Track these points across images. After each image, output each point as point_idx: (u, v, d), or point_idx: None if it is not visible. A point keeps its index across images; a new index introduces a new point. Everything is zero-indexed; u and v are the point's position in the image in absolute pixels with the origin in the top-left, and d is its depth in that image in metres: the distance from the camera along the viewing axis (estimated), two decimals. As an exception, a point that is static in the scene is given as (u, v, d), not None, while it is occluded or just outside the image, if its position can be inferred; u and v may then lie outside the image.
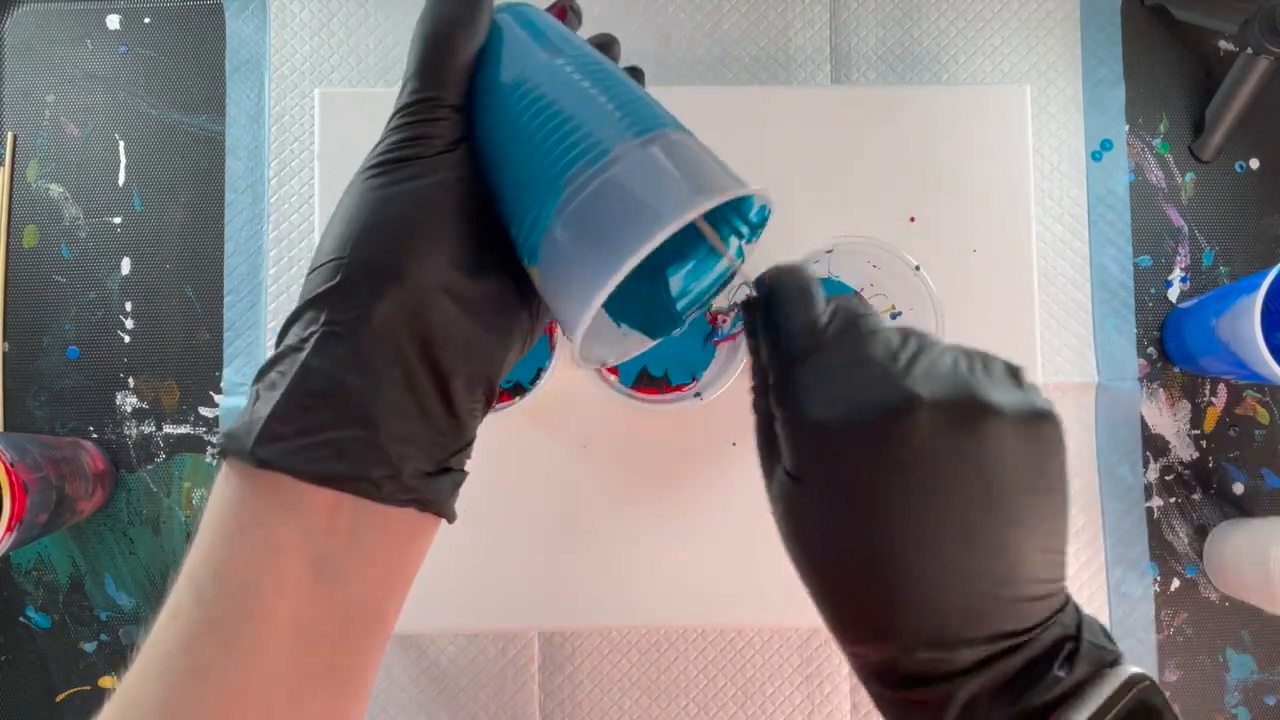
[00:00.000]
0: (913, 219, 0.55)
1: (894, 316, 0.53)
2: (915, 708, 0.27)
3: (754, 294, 0.30)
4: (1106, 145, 0.61)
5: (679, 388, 0.54)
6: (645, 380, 0.54)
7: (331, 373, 0.27)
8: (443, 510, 0.30)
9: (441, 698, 0.58)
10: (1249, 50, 0.57)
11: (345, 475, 0.27)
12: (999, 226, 0.55)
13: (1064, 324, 0.60)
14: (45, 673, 0.58)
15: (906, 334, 0.28)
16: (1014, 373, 0.28)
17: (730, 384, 0.48)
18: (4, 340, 0.60)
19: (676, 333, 0.36)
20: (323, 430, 0.27)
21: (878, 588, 0.26)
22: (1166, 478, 0.60)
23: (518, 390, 0.54)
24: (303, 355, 0.27)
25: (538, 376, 0.52)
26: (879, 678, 0.28)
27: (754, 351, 0.30)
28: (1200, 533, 0.60)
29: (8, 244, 0.61)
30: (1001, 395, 0.26)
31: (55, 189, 0.61)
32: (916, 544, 0.25)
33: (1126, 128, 0.62)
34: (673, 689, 0.58)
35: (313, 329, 0.27)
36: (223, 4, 0.62)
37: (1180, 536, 0.60)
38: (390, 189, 0.28)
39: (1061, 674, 0.25)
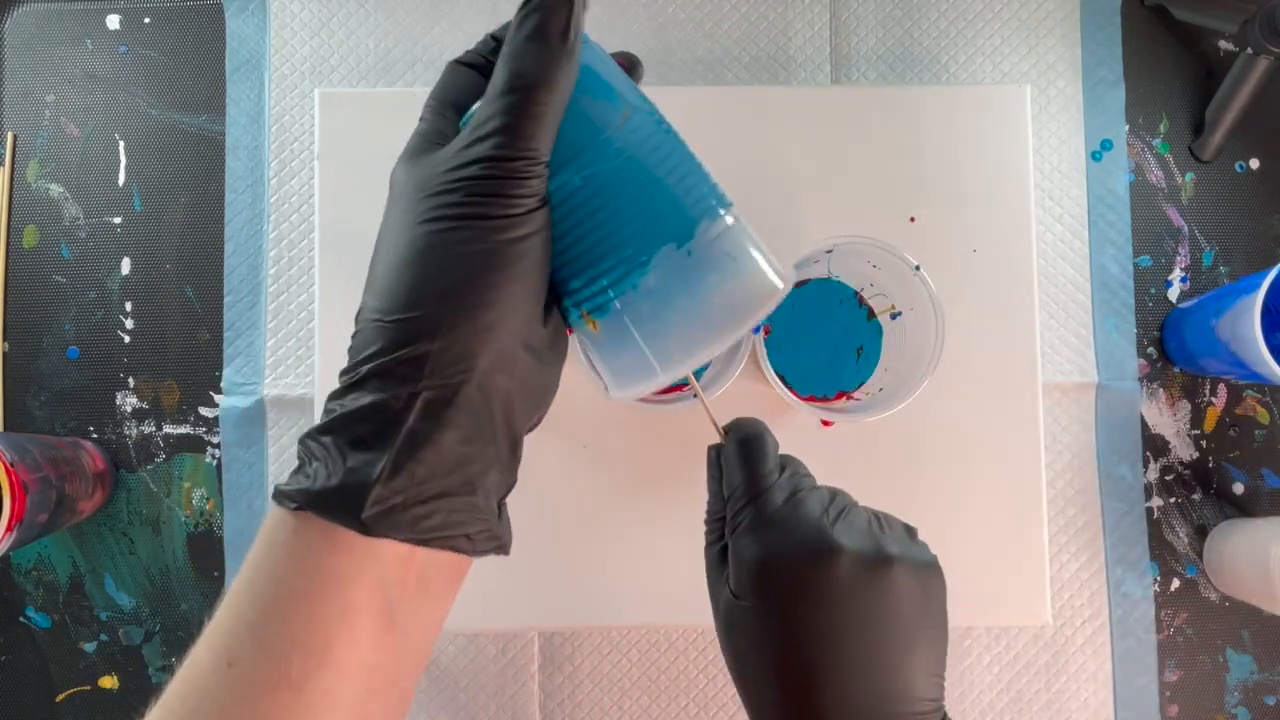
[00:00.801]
0: (913, 219, 0.55)
1: (894, 317, 0.53)
2: None
3: (720, 441, 0.35)
4: (1106, 145, 0.61)
5: (679, 388, 0.54)
6: (645, 380, 0.54)
7: (439, 438, 0.27)
8: (508, 550, 0.32)
9: (441, 698, 0.58)
10: (1249, 50, 0.57)
11: (447, 536, 0.28)
12: (999, 226, 0.55)
13: (1064, 324, 0.60)
14: (45, 673, 0.58)
15: (834, 494, 0.34)
16: (910, 532, 0.34)
17: (730, 384, 0.48)
18: (4, 340, 0.60)
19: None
20: (436, 498, 0.27)
21: (798, 703, 0.31)
22: (1166, 478, 0.60)
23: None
24: (408, 417, 0.27)
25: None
26: None
27: (714, 487, 0.35)
28: (1200, 533, 0.60)
29: (8, 244, 0.61)
30: (900, 549, 0.32)
31: (55, 189, 0.61)
32: (832, 666, 0.31)
33: (1126, 128, 0.62)
34: (673, 689, 0.58)
35: (411, 388, 0.27)
36: (223, 4, 0.62)
37: (1180, 536, 0.60)
38: (480, 244, 0.27)
39: None
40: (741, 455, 0.33)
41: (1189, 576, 0.59)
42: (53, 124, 0.62)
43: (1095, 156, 0.61)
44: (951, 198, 0.55)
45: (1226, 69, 0.60)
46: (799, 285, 0.54)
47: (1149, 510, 0.60)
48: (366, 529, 0.26)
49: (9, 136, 0.61)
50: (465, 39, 0.61)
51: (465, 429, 0.27)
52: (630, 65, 0.34)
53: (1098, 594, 0.59)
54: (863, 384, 0.54)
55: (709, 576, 0.34)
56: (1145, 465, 0.60)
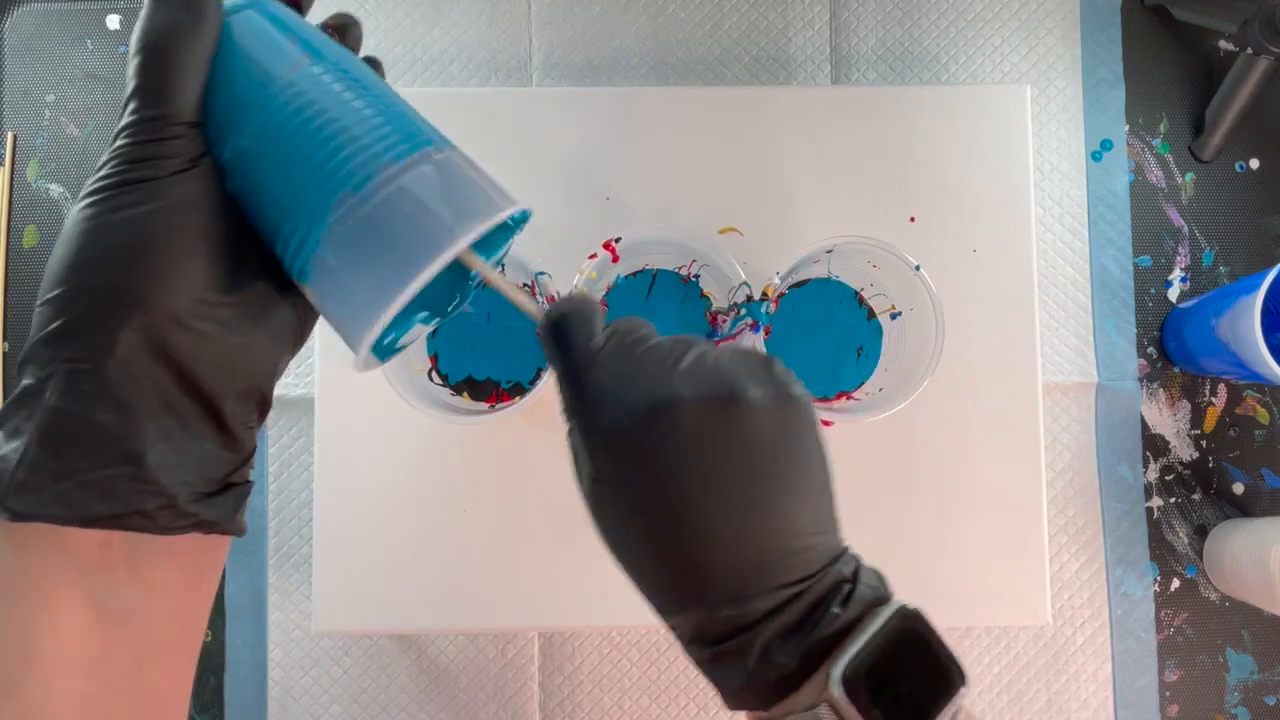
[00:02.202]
0: (913, 219, 0.55)
1: (894, 317, 0.53)
2: (726, 660, 0.30)
3: (544, 327, 0.33)
4: (1106, 145, 0.61)
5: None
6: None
7: (81, 412, 0.26)
8: (229, 528, 0.30)
9: (441, 698, 0.58)
10: (1249, 50, 0.57)
11: (114, 514, 0.26)
12: (999, 226, 0.55)
13: (1064, 324, 0.60)
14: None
15: (677, 342, 0.32)
16: (768, 365, 0.31)
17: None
18: (4, 340, 0.60)
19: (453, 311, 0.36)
20: (81, 473, 0.26)
21: (677, 564, 0.30)
22: (1166, 478, 0.60)
23: (518, 390, 0.54)
24: (46, 397, 0.26)
25: (538, 376, 0.52)
26: (694, 642, 0.31)
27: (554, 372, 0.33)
28: (1200, 533, 0.60)
29: (8, 244, 0.61)
30: (754, 385, 0.30)
31: (55, 189, 0.61)
32: (701, 519, 0.29)
33: (1126, 128, 0.62)
34: (673, 689, 0.58)
35: (52, 368, 0.26)
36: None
37: (1180, 536, 0.60)
38: (120, 214, 0.26)
39: (838, 611, 0.29)
40: (556, 335, 0.31)
41: (1189, 576, 0.59)
42: (53, 124, 0.62)
43: (1095, 156, 0.61)
44: (951, 198, 0.55)
45: (1226, 69, 0.60)
46: (798, 285, 0.54)
47: (1149, 510, 0.60)
48: (14, 515, 0.26)
49: (9, 136, 0.61)
50: (465, 39, 0.61)
51: (118, 403, 0.26)
52: (342, 27, 0.33)
53: (1098, 594, 0.59)
54: (863, 384, 0.54)
55: (574, 469, 0.32)
56: (1145, 465, 0.60)
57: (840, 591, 0.30)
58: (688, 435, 0.29)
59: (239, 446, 0.29)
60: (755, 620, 0.29)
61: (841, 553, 0.31)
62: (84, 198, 0.27)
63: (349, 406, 0.53)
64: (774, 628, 0.29)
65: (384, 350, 0.34)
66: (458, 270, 0.34)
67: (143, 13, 0.27)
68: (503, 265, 0.35)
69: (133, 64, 0.27)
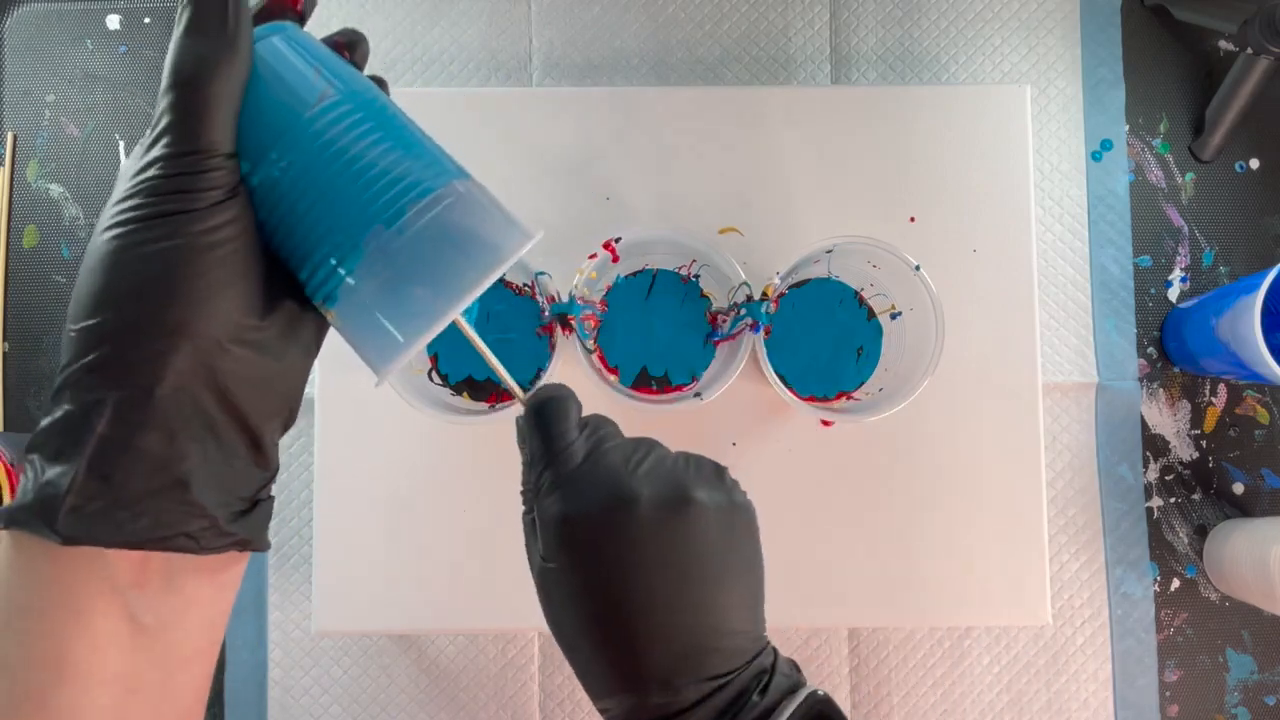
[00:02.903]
0: (913, 219, 0.55)
1: (894, 317, 0.53)
2: None
3: (526, 412, 0.35)
4: (1106, 145, 0.61)
5: (679, 388, 0.53)
6: (645, 380, 0.54)
7: (130, 440, 0.27)
8: (261, 544, 0.31)
9: (441, 698, 0.58)
10: (1249, 50, 0.57)
11: (159, 537, 0.27)
12: (999, 226, 0.55)
13: (1064, 324, 0.60)
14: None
15: (639, 444, 0.34)
16: (719, 473, 0.34)
17: (730, 384, 0.48)
18: (4, 340, 0.60)
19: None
20: (130, 498, 0.27)
21: (614, 650, 0.32)
22: (1166, 478, 0.60)
23: (518, 390, 0.54)
24: (96, 424, 0.26)
25: (537, 377, 0.52)
26: None
27: (524, 456, 0.35)
28: (1200, 533, 0.60)
29: (8, 244, 0.61)
30: (705, 491, 0.33)
31: (55, 189, 0.61)
32: (642, 611, 0.31)
33: (1126, 128, 0.62)
34: (673, 689, 0.58)
35: (98, 395, 0.27)
36: None
37: (1180, 536, 0.60)
38: (160, 244, 0.27)
39: (757, 700, 0.32)
40: (537, 421, 0.34)
41: (1189, 576, 0.59)
42: (53, 124, 0.62)
43: (1095, 156, 0.61)
44: (951, 198, 0.55)
45: (1226, 69, 0.60)
46: (798, 285, 0.54)
47: (1149, 510, 0.60)
48: (65, 538, 0.26)
49: (9, 136, 0.61)
50: (465, 39, 0.61)
51: (165, 429, 0.27)
52: (351, 44, 0.33)
53: (1098, 594, 0.59)
54: (863, 384, 0.54)
55: (527, 549, 0.35)
56: (1145, 465, 0.60)
57: (760, 681, 0.32)
58: (640, 531, 0.31)
59: (268, 463, 0.30)
60: (684, 707, 0.31)
61: (763, 647, 0.34)
62: (113, 227, 0.27)
63: (349, 406, 0.53)
64: (700, 715, 0.31)
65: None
66: None
67: (174, 44, 0.27)
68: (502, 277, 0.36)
69: (166, 99, 0.27)
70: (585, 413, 0.35)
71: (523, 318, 0.54)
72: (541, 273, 0.50)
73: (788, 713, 0.31)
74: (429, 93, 0.58)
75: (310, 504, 0.58)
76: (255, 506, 0.30)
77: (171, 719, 0.30)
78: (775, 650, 0.34)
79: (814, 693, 0.32)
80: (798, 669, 0.35)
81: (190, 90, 0.27)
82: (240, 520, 0.29)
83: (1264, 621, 0.59)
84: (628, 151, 0.55)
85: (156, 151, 0.27)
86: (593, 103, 0.55)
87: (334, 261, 0.28)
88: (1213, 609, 0.59)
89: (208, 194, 0.27)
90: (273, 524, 0.59)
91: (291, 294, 0.30)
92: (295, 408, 0.31)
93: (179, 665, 0.30)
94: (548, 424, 0.34)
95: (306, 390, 0.58)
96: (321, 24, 0.61)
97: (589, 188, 0.55)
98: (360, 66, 0.33)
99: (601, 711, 0.33)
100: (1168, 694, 0.59)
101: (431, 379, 0.54)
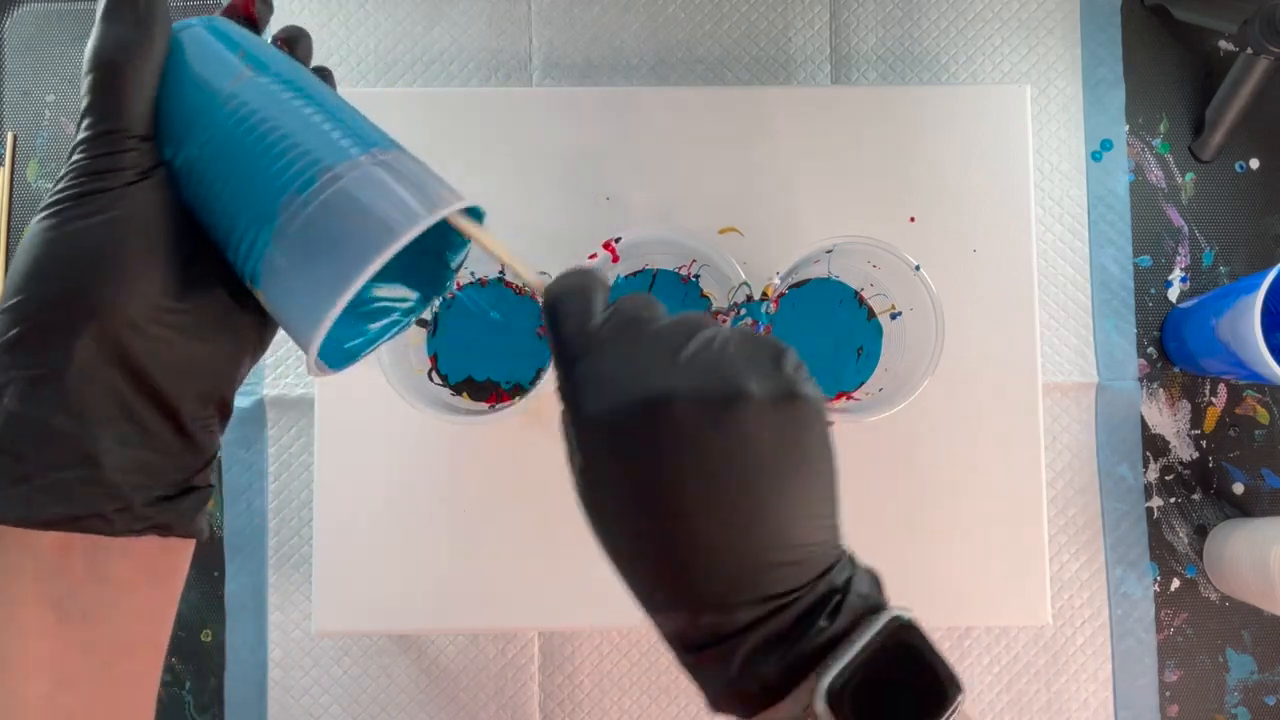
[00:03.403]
0: (913, 219, 0.55)
1: (894, 317, 0.53)
2: (707, 665, 0.29)
3: (544, 306, 0.32)
4: (1106, 145, 0.61)
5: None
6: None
7: (38, 416, 0.27)
8: (188, 531, 0.30)
9: (441, 698, 0.58)
10: (1249, 50, 0.57)
11: (70, 516, 0.27)
12: (999, 226, 0.55)
13: (1064, 324, 0.60)
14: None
15: (681, 324, 0.30)
16: (779, 357, 0.29)
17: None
18: (4, 340, 0.60)
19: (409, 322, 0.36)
20: (38, 476, 0.27)
21: (661, 565, 0.29)
22: (1166, 478, 0.60)
23: (518, 390, 0.54)
24: (5, 402, 0.27)
25: (538, 377, 0.52)
26: (677, 642, 0.30)
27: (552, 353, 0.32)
28: (1200, 533, 0.60)
29: (8, 244, 0.61)
30: (759, 381, 0.28)
31: (55, 189, 0.61)
32: (687, 524, 0.28)
33: (1126, 128, 0.62)
34: (673, 689, 0.58)
35: (11, 374, 0.27)
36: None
37: (1180, 536, 0.60)
38: (78, 224, 0.27)
39: (825, 624, 0.28)
40: (553, 317, 0.30)
41: (1189, 576, 0.59)
42: (53, 124, 0.62)
43: (1095, 156, 0.61)
44: (951, 198, 0.55)
45: (1226, 69, 0.60)
46: (798, 285, 0.54)
47: (1149, 510, 0.60)
48: None
49: (9, 136, 0.61)
50: (465, 39, 0.61)
51: (75, 408, 0.27)
52: (291, 39, 0.33)
53: (1098, 594, 0.59)
54: (863, 384, 0.54)
55: (567, 457, 0.31)
56: (1145, 465, 0.60)
57: (829, 602, 0.28)
58: (681, 434, 0.27)
59: (198, 450, 0.30)
60: (739, 629, 0.28)
61: (837, 560, 0.29)
62: (42, 210, 0.28)
63: (349, 406, 0.53)
64: (756, 639, 0.28)
65: (345, 356, 0.34)
66: (434, 268, 0.34)
67: (94, 31, 0.28)
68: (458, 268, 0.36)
69: (85, 81, 0.28)
70: None
71: (523, 318, 0.54)
72: (543, 273, 0.50)
73: (862, 640, 0.27)
74: (429, 93, 0.58)
75: (310, 504, 0.58)
76: (186, 494, 0.30)
77: (112, 712, 0.29)
78: (853, 561, 0.30)
79: (896, 617, 0.28)
80: (878, 585, 0.30)
81: (104, 73, 0.28)
82: (161, 505, 0.29)
83: (1264, 621, 0.59)
84: (628, 151, 0.55)
85: (79, 135, 0.28)
86: (593, 103, 0.55)
87: (252, 234, 0.28)
88: (1213, 609, 0.59)
89: (122, 173, 0.28)
90: (272, 524, 0.59)
91: (225, 284, 0.30)
92: (228, 396, 0.31)
93: (115, 657, 0.29)
94: (565, 313, 0.30)
95: (306, 390, 0.58)
96: (321, 23, 0.61)
97: (589, 188, 0.55)
98: (305, 61, 0.33)
99: (655, 625, 0.30)
100: (1168, 694, 0.59)
101: (431, 379, 0.54)
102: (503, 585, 0.53)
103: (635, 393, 0.28)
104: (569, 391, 0.29)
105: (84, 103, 0.28)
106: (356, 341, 0.34)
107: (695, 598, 0.28)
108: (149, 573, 0.30)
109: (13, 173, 0.61)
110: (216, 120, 0.29)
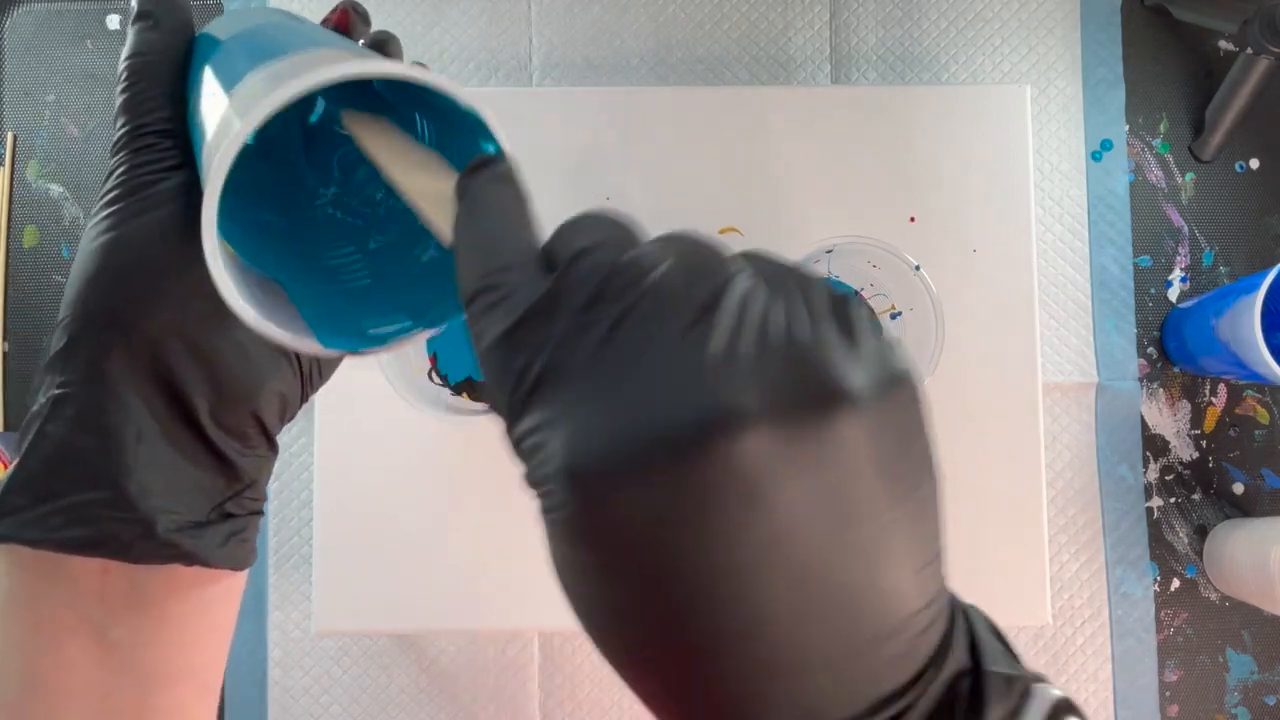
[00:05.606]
0: (913, 219, 0.55)
1: (894, 317, 0.53)
2: None
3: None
4: (1106, 145, 0.61)
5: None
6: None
7: (63, 436, 0.26)
8: (209, 562, 0.27)
9: (441, 698, 0.58)
10: (1249, 50, 0.57)
11: (89, 539, 0.26)
12: (999, 226, 0.55)
13: (1064, 324, 0.60)
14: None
15: (690, 274, 0.18)
16: (843, 311, 0.19)
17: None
18: (4, 340, 0.60)
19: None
20: (59, 497, 0.25)
21: (706, 684, 0.18)
22: (1166, 478, 0.60)
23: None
24: (40, 422, 0.26)
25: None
26: None
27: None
28: (1200, 533, 0.60)
29: (8, 244, 0.61)
30: (849, 365, 0.18)
31: (55, 189, 0.61)
32: (748, 613, 0.17)
33: (1126, 128, 0.62)
34: (673, 689, 0.58)
35: (46, 391, 0.26)
36: (222, 4, 0.62)
37: (1180, 536, 0.60)
38: (109, 234, 0.26)
39: None
40: (473, 237, 0.20)
41: (1189, 576, 0.59)
42: (53, 124, 0.61)
43: (1095, 156, 0.61)
44: (951, 198, 0.55)
45: (1226, 69, 0.60)
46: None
47: (1149, 510, 0.60)
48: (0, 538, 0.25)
49: (9, 136, 0.61)
50: (465, 39, 0.61)
51: (97, 427, 0.26)
52: (381, 44, 0.33)
53: (1098, 594, 0.59)
54: (863, 384, 0.54)
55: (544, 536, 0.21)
56: (1145, 465, 0.60)
57: (961, 690, 0.18)
58: (747, 473, 0.16)
59: (233, 475, 0.28)
60: None
61: (952, 622, 0.20)
62: (94, 216, 0.27)
63: (349, 406, 0.53)
64: None
65: (369, 340, 0.29)
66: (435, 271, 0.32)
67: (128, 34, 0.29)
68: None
69: (117, 87, 0.28)
70: None
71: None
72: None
73: None
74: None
75: (310, 504, 0.58)
76: (221, 520, 0.28)
77: None
78: (966, 614, 0.20)
79: (1061, 704, 0.19)
80: (1009, 647, 0.21)
81: (128, 73, 0.28)
82: (188, 532, 0.27)
83: (1264, 621, 0.59)
84: (628, 151, 0.55)
85: (114, 137, 0.28)
86: (593, 103, 0.55)
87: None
88: (1213, 609, 0.59)
89: (146, 170, 0.27)
90: (272, 524, 0.59)
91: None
92: (267, 420, 0.29)
93: (159, 685, 0.28)
94: (497, 242, 0.20)
95: (306, 390, 0.58)
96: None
97: (589, 188, 0.55)
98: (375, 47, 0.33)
99: None
100: (1168, 694, 0.59)
101: (431, 379, 0.54)
102: (503, 585, 0.53)
103: (663, 421, 0.17)
104: (520, 431, 0.19)
105: (116, 104, 0.28)
106: (382, 330, 0.31)
107: None
108: (189, 602, 0.28)
109: (13, 173, 0.61)
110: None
